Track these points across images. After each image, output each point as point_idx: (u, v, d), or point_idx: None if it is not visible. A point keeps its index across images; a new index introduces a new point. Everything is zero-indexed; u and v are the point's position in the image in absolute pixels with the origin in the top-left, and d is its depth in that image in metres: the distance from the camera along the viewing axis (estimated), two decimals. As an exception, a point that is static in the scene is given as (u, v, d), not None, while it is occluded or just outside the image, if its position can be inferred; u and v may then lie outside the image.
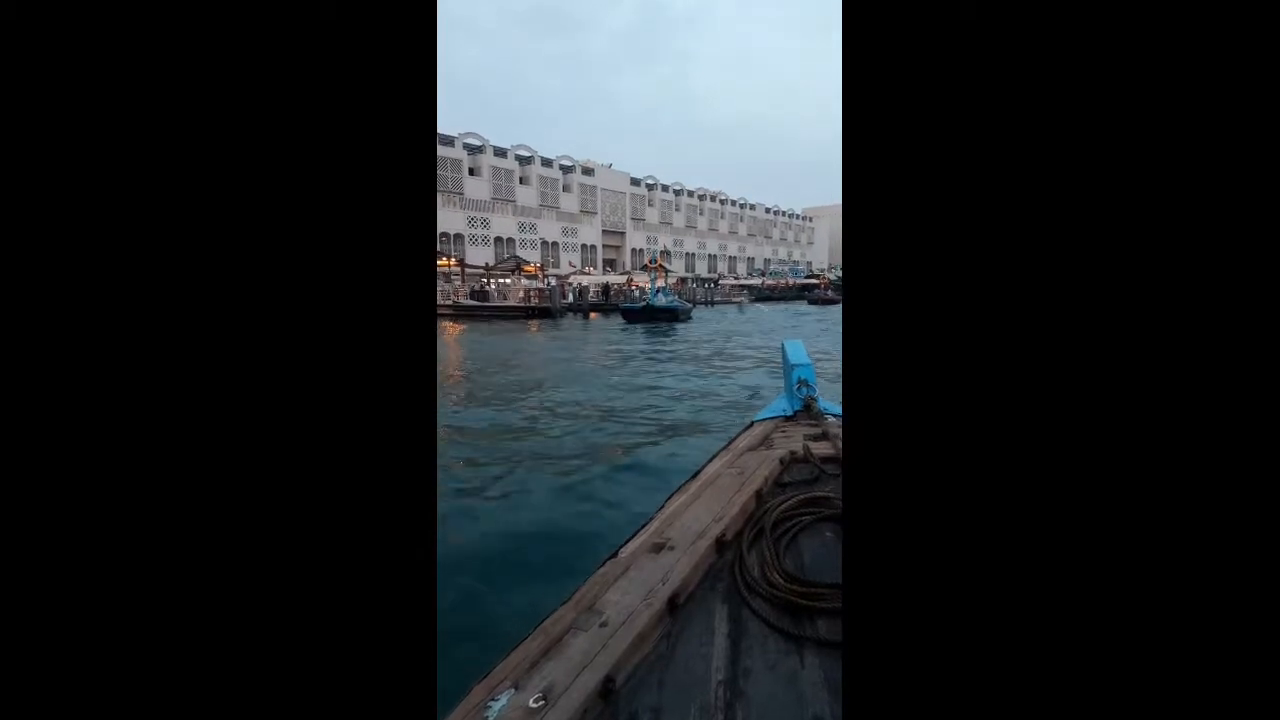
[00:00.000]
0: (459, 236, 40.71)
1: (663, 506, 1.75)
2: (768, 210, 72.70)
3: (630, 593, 1.17)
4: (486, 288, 31.87)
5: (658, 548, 1.35)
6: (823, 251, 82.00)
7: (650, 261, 34.14)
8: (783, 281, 57.69)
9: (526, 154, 45.87)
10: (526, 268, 35.80)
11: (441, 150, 38.42)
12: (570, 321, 25.33)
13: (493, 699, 0.90)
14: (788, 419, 2.64)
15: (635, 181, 55.32)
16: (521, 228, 45.19)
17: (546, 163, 47.39)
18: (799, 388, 2.73)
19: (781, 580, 1.18)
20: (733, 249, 66.39)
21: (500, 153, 43.89)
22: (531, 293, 30.83)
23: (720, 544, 1.38)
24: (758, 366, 10.61)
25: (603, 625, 1.06)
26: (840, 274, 36.46)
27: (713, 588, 1.24)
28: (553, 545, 3.15)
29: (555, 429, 5.99)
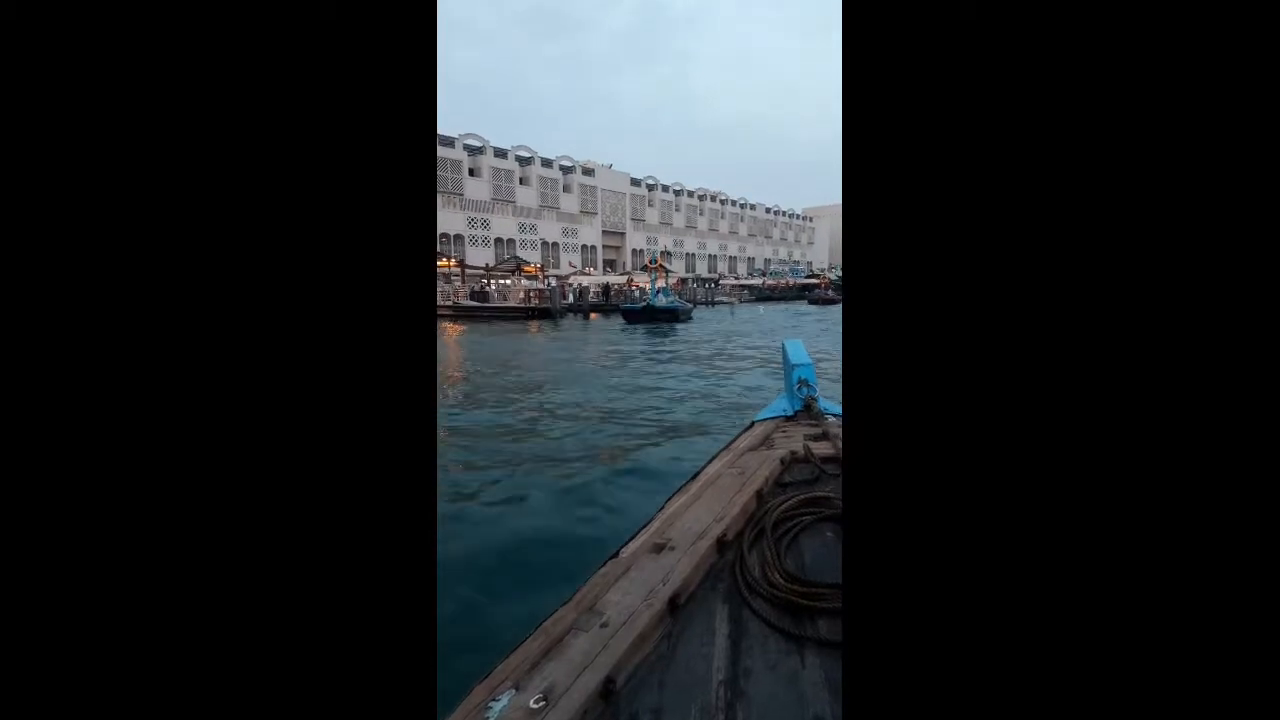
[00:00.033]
0: (459, 237, 40.72)
1: (663, 507, 1.75)
2: (768, 210, 72.71)
3: (631, 593, 1.17)
4: (486, 288, 31.89)
5: (658, 548, 1.35)
6: (823, 251, 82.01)
7: (650, 262, 34.12)
8: (783, 282, 57.68)
9: (526, 155, 45.89)
10: (526, 268, 35.81)
11: (441, 151, 38.44)
12: (570, 322, 25.32)
13: (493, 699, 0.90)
14: (788, 419, 2.64)
15: (635, 182, 55.34)
16: (521, 228, 45.20)
17: (546, 163, 47.41)
18: (799, 388, 2.73)
19: (782, 580, 1.18)
20: (733, 249, 66.40)
21: (500, 153, 43.91)
22: (531, 293, 30.84)
23: (721, 544, 1.38)
24: (758, 367, 10.61)
25: (603, 626, 1.06)
26: (840, 274, 36.44)
27: (713, 588, 1.24)
28: (552, 551, 3.14)
29: (555, 431, 5.99)
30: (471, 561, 2.99)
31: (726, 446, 2.36)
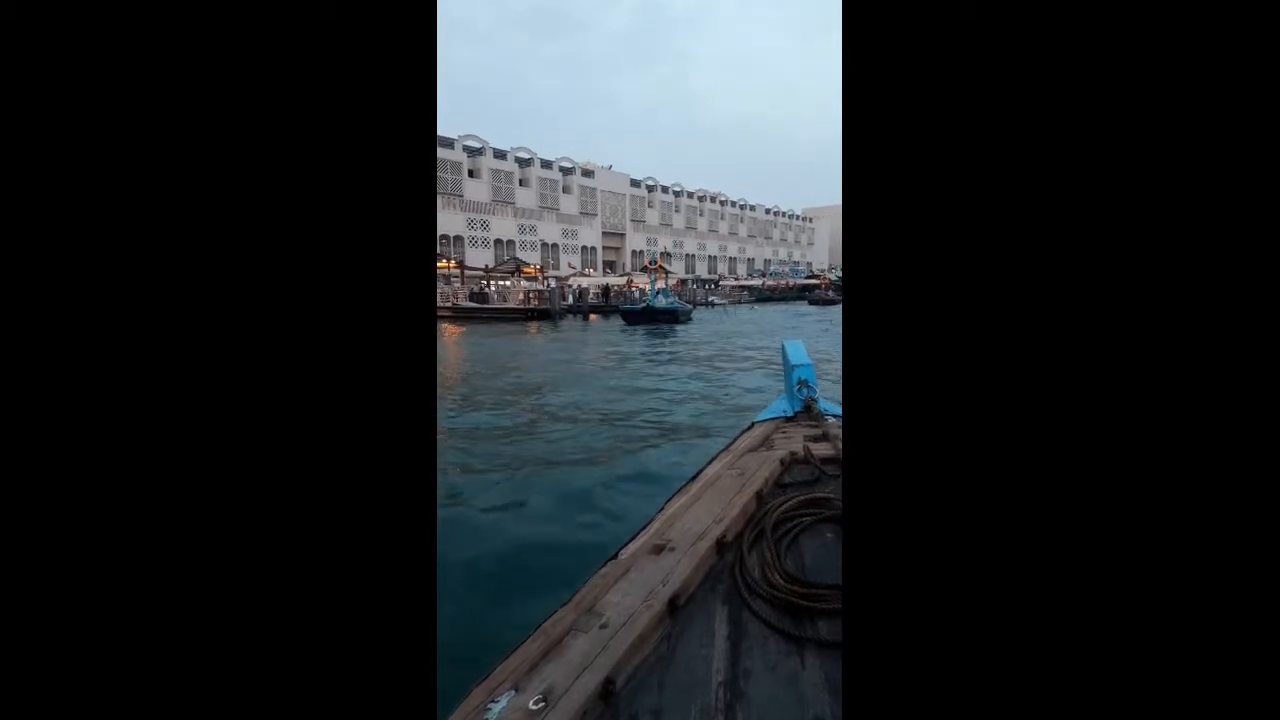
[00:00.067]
0: (458, 238, 40.72)
1: (663, 508, 1.75)
2: (768, 211, 72.71)
3: (630, 594, 1.17)
4: (486, 290, 31.89)
5: (658, 549, 1.35)
6: (823, 252, 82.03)
7: (650, 263, 34.14)
8: (783, 282, 57.69)
9: (526, 156, 45.90)
10: (526, 269, 35.81)
11: (441, 152, 38.43)
12: (570, 323, 25.31)
13: (493, 701, 0.90)
14: (788, 420, 2.64)
15: (635, 183, 55.34)
16: (521, 229, 45.20)
17: (546, 164, 47.42)
18: (799, 388, 2.73)
19: (782, 581, 1.18)
20: (733, 250, 66.40)
21: (500, 155, 43.92)
22: (531, 294, 30.84)
23: (721, 545, 1.38)
24: (758, 368, 10.61)
25: (603, 627, 1.06)
26: (840, 274, 36.44)
27: (713, 589, 1.24)
28: (551, 556, 3.13)
29: (554, 433, 5.99)
30: (469, 565, 2.98)
31: (726, 447, 2.36)
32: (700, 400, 7.69)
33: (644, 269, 37.72)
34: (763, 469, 1.82)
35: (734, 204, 66.58)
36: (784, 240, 76.10)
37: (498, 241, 43.32)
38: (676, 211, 59.47)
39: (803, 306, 39.81)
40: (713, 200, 63.64)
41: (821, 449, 2.03)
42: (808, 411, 2.65)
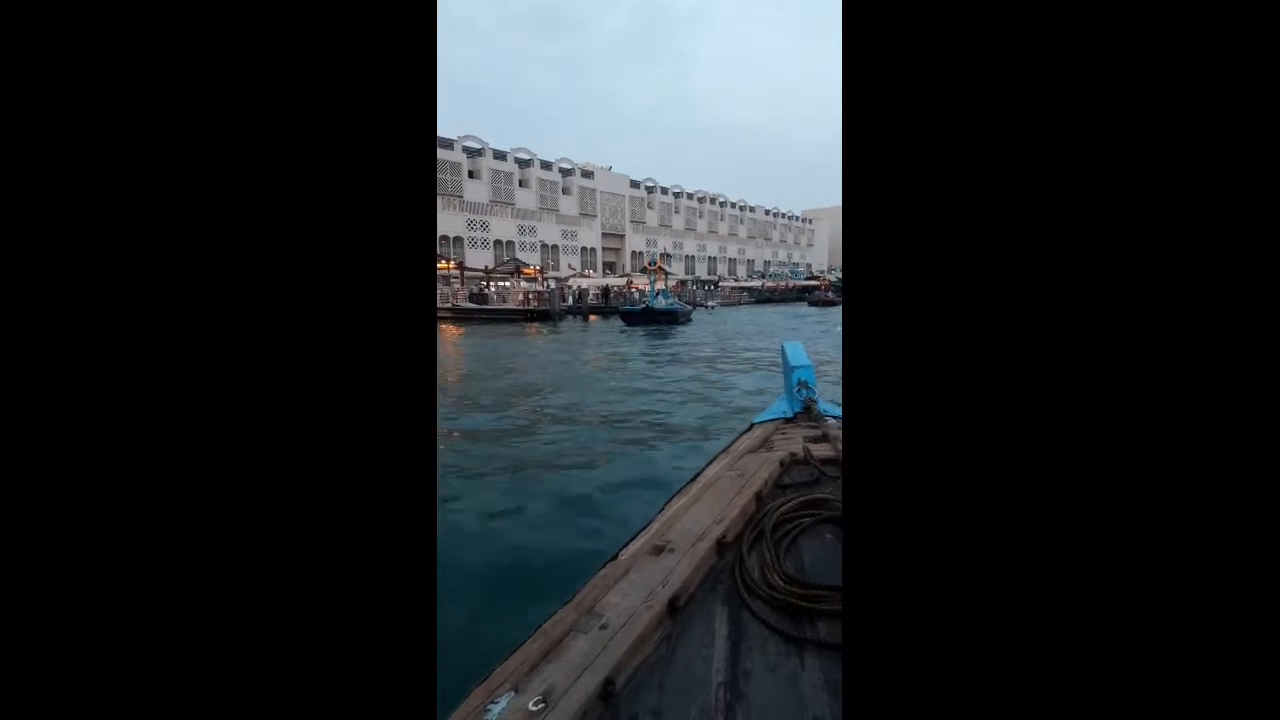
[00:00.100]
0: (458, 239, 40.71)
1: (663, 509, 1.75)
2: (767, 212, 72.76)
3: (630, 595, 1.17)
4: (486, 290, 31.90)
5: (658, 550, 1.35)
6: (822, 253, 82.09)
7: (650, 264, 34.17)
8: (783, 284, 57.73)
9: (526, 157, 45.92)
10: (526, 270, 35.83)
11: (440, 153, 38.44)
12: (569, 324, 25.31)
13: (492, 701, 0.90)
14: (788, 421, 2.64)
15: (635, 184, 55.36)
16: (521, 230, 45.20)
17: (546, 165, 47.43)
18: (799, 389, 2.73)
19: (781, 582, 1.18)
20: (732, 251, 66.42)
21: (499, 155, 43.93)
22: (530, 295, 30.85)
23: (720, 546, 1.38)
24: (757, 369, 10.61)
25: (603, 627, 1.06)
26: (840, 276, 36.46)
27: (713, 590, 1.24)
28: (550, 560, 3.12)
29: (552, 434, 5.99)
30: (467, 569, 2.97)
31: (726, 449, 2.36)
32: (700, 402, 7.69)
33: (643, 270, 37.75)
34: (762, 470, 1.82)
35: (733, 205, 66.61)
36: (783, 241, 76.13)
37: (497, 242, 43.31)
38: (676, 213, 59.49)
39: (802, 308, 39.81)
40: (712, 201, 63.67)
41: (821, 450, 2.03)
42: (807, 412, 2.65)
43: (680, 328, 21.89)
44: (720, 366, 11.13)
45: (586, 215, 50.78)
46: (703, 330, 20.83)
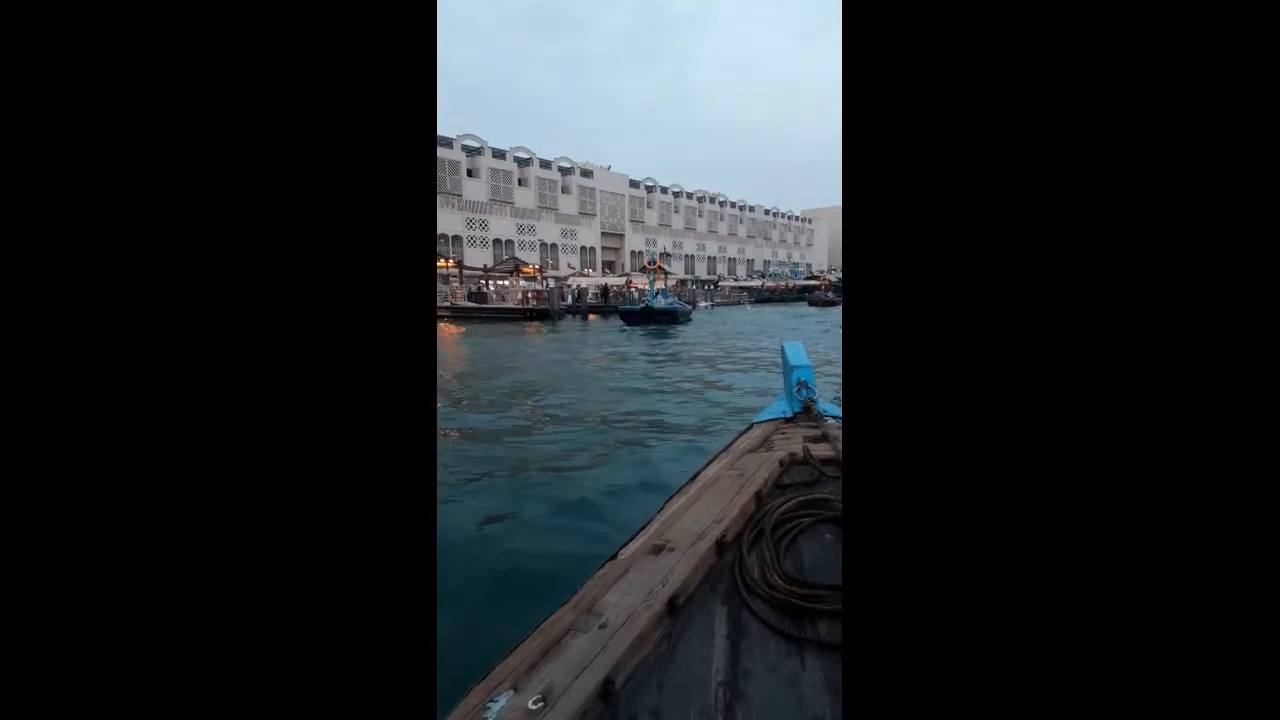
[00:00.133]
0: (457, 238, 40.68)
1: (662, 508, 1.75)
2: (767, 212, 72.74)
3: (630, 594, 1.17)
4: (485, 289, 31.89)
5: (657, 549, 1.35)
6: (822, 253, 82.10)
7: (649, 263, 34.17)
8: (783, 284, 57.72)
9: (525, 156, 45.88)
10: (525, 269, 35.82)
11: (440, 152, 38.41)
12: (569, 323, 25.30)
13: (491, 700, 0.90)
14: (787, 421, 2.64)
15: (634, 183, 55.32)
16: (520, 229, 45.16)
17: (545, 164, 47.40)
18: (799, 389, 2.73)
19: (781, 582, 1.18)
20: (732, 251, 66.42)
21: (499, 154, 43.89)
22: (530, 294, 30.86)
23: (720, 545, 1.38)
24: (755, 369, 10.61)
25: (602, 627, 1.06)
26: (840, 276, 36.44)
27: (713, 589, 1.24)
28: (549, 562, 3.12)
29: (551, 435, 5.98)
30: (467, 572, 2.96)
31: (725, 448, 2.36)
32: (699, 403, 7.69)
33: (643, 269, 37.73)
34: (762, 470, 1.82)
35: (733, 205, 66.58)
36: (783, 241, 76.13)
37: (496, 241, 43.28)
38: (676, 212, 59.47)
39: (802, 308, 39.78)
40: (712, 201, 63.65)
41: (821, 450, 2.03)
42: (807, 412, 2.65)
43: (680, 327, 21.88)
44: (720, 366, 11.13)
45: (586, 214, 50.75)
46: (702, 330, 20.83)
